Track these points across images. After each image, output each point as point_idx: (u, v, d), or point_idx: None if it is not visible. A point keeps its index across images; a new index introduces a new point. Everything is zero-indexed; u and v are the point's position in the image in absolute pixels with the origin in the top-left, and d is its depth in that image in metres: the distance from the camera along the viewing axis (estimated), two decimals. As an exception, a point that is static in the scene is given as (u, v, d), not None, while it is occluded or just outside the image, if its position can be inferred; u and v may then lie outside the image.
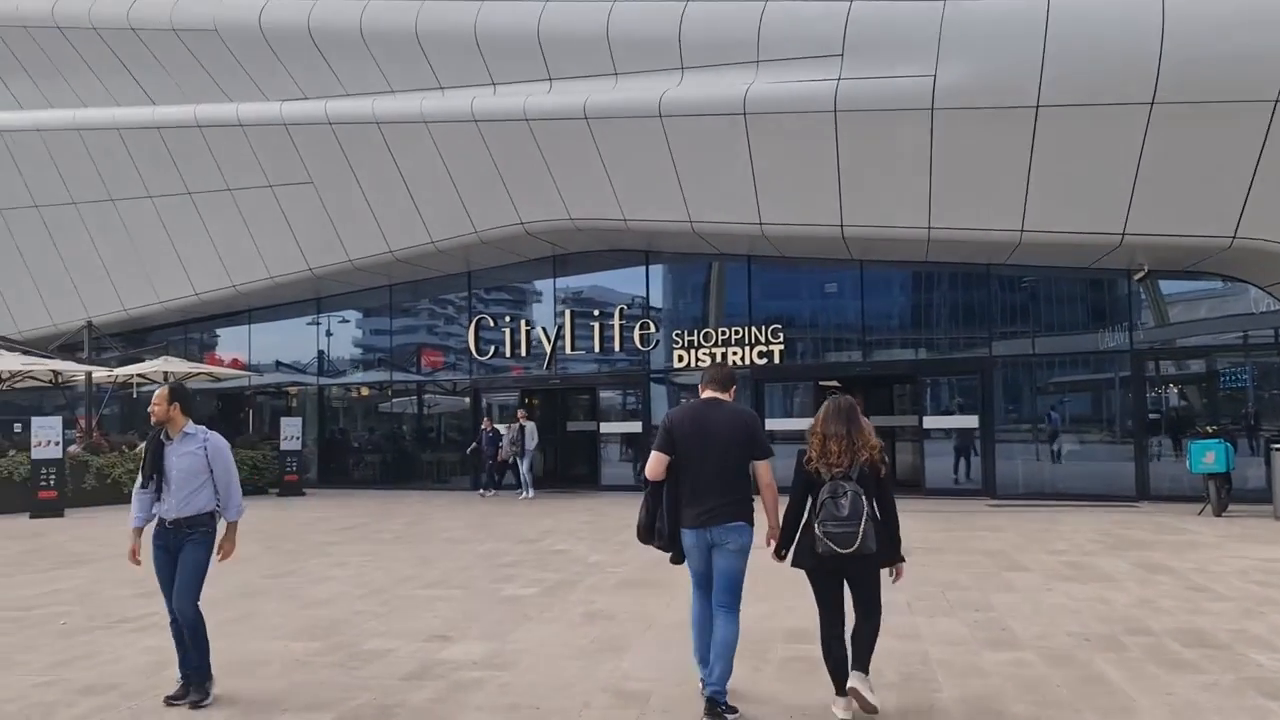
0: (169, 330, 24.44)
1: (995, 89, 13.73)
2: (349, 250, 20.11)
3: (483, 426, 19.94)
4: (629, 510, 15.63)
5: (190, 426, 5.69)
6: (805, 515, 5.14)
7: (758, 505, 5.17)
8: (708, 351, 18.88)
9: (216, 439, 5.73)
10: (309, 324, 23.26)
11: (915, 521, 12.61)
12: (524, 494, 18.80)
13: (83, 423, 21.17)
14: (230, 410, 24.89)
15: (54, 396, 23.59)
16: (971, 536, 11.95)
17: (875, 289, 18.38)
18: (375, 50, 18.31)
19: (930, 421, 17.98)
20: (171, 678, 5.83)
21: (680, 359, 19.22)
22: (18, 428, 17.85)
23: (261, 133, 19.82)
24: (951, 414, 18.31)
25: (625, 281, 20.15)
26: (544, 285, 21.07)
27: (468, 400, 21.65)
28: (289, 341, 23.82)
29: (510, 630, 7.07)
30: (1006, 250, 15.74)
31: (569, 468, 22.47)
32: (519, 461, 19.14)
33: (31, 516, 16.15)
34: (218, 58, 19.92)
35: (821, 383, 18.55)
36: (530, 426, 19.17)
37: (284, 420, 20.99)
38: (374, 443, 23.41)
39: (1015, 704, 5.22)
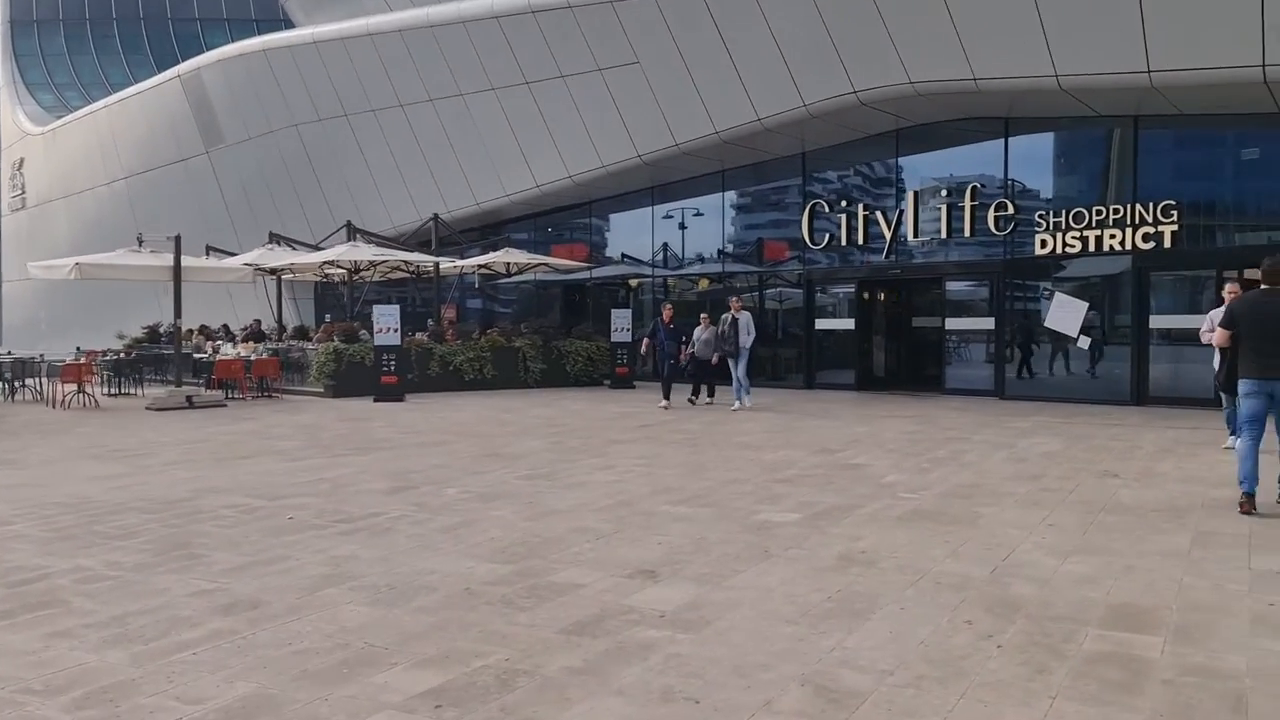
0: (519, 224, 25.06)
1: None
2: (676, 134, 19.10)
3: (661, 318, 16.77)
4: (964, 419, 13.57)
5: None
6: None
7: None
8: (1077, 235, 15.81)
9: None
10: (647, 215, 22.72)
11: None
12: (736, 404, 15.31)
13: (446, 312, 22.31)
14: (571, 302, 25.23)
15: (422, 289, 25.18)
16: None
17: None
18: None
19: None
20: (330, 599, 5.13)
21: (1044, 244, 16.32)
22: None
23: (590, 13, 19.16)
24: None
25: (978, 157, 17.38)
26: (885, 165, 18.77)
27: (800, 293, 20.07)
28: (628, 234, 23.53)
29: (735, 571, 5.66)
30: None
31: (914, 368, 20.29)
32: (732, 363, 15.63)
33: (375, 400, 17.09)
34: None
35: (1226, 273, 14.83)
36: (745, 318, 15.59)
37: (614, 312, 20.72)
38: (707, 337, 22.58)
39: None
